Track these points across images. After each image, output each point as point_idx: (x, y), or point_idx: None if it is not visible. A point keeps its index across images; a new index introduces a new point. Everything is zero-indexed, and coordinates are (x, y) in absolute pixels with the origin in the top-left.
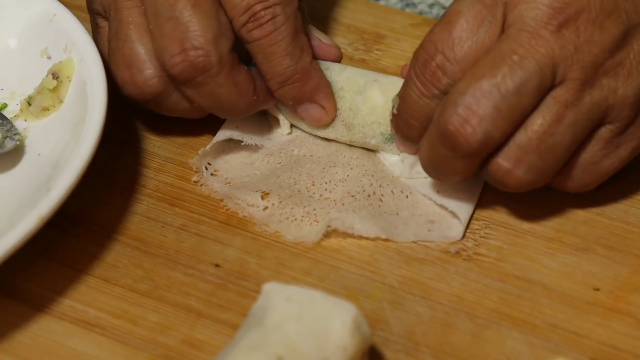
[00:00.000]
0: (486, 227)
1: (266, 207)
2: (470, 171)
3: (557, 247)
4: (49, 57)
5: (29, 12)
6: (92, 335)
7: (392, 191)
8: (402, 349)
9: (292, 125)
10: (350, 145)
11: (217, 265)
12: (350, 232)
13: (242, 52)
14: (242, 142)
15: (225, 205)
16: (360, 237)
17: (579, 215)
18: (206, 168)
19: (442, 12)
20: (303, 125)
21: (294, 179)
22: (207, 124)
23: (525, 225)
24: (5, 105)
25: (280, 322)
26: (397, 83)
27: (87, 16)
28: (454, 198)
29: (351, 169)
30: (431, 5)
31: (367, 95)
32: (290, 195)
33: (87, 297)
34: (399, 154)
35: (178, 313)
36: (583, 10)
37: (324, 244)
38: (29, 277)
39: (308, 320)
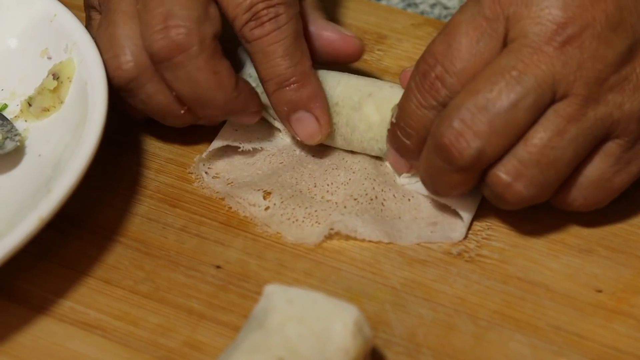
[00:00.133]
0: (488, 229)
1: (267, 207)
2: (467, 185)
3: (560, 249)
4: (49, 58)
5: (29, 12)
6: (92, 337)
7: (394, 195)
8: (404, 351)
9: None
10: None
11: (218, 267)
12: (352, 235)
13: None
14: (240, 148)
15: (227, 205)
16: (363, 239)
17: (581, 217)
18: (206, 173)
19: (443, 12)
20: None
21: (296, 179)
22: (208, 126)
23: (528, 227)
24: (5, 106)
25: (281, 324)
26: (391, 98)
27: None
28: (457, 198)
29: (353, 172)
30: (433, 5)
31: (362, 112)
32: (292, 196)
33: (87, 298)
34: None
35: (179, 315)
36: (588, 26)
37: (325, 246)
38: (30, 278)
39: (309, 322)
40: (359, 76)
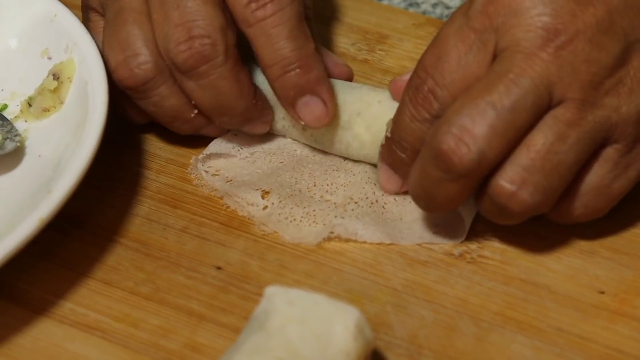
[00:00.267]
0: (490, 230)
1: (266, 207)
2: (462, 196)
3: (562, 250)
4: (49, 58)
5: (29, 12)
6: (92, 338)
7: (394, 198)
8: (406, 353)
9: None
10: None
11: (218, 268)
12: (353, 238)
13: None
14: (237, 157)
15: (225, 204)
16: (363, 241)
17: None
18: (206, 171)
19: (445, 11)
20: (304, 140)
21: (296, 178)
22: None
23: (530, 228)
24: (5, 106)
25: (282, 326)
26: (379, 116)
27: None
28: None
29: (353, 175)
30: (434, 5)
31: (353, 131)
32: (291, 195)
33: (88, 300)
34: None
35: (179, 316)
36: (579, 31)
37: (326, 247)
38: (30, 280)
39: (310, 324)
40: (346, 87)
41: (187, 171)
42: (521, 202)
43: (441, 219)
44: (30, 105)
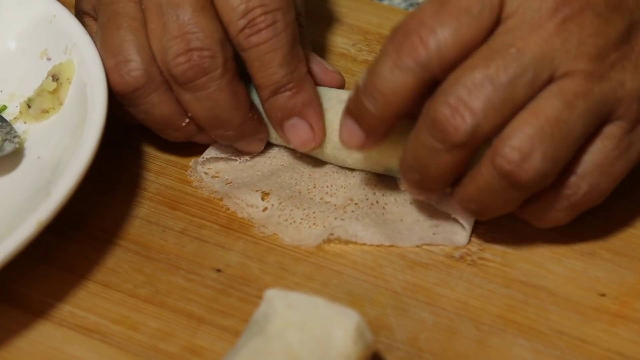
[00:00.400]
0: (491, 232)
1: (265, 208)
2: (455, 170)
3: (563, 252)
4: (48, 59)
5: (28, 13)
6: (91, 341)
7: (395, 199)
8: (406, 356)
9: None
10: None
11: (218, 270)
12: (353, 240)
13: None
14: (237, 160)
15: (225, 206)
16: (363, 243)
17: (584, 220)
18: (206, 173)
19: None
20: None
21: (295, 179)
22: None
23: (530, 230)
24: (4, 108)
25: (282, 329)
26: None
27: None
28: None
29: (353, 176)
30: None
31: (345, 150)
32: (291, 197)
33: (87, 302)
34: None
35: (179, 319)
36: (588, 5)
37: (326, 249)
38: (28, 282)
39: (310, 328)
40: (335, 103)
41: (186, 173)
42: (529, 169)
43: (442, 220)
44: (29, 107)
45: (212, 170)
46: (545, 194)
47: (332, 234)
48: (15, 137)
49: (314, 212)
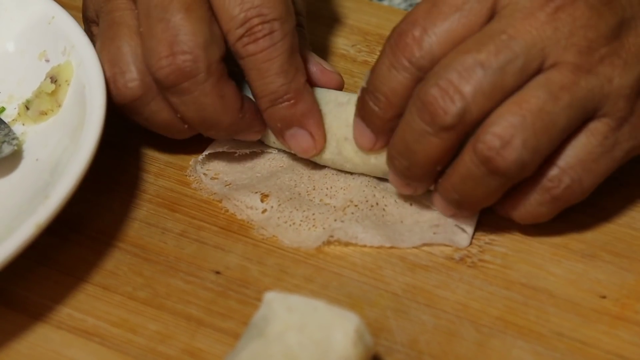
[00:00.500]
0: (491, 234)
1: (265, 210)
2: (442, 156)
3: (563, 254)
4: (47, 60)
5: (27, 14)
6: (90, 344)
7: (395, 201)
8: (406, 358)
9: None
10: None
11: (217, 273)
12: (353, 242)
13: (233, 75)
14: (237, 153)
15: (224, 207)
16: (363, 244)
17: (585, 222)
18: (205, 174)
19: None
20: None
21: (295, 180)
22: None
23: (531, 232)
24: (3, 109)
25: (281, 332)
26: None
27: None
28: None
29: (353, 178)
30: None
31: (343, 156)
32: (290, 198)
33: (86, 305)
34: None
35: (178, 322)
36: None
37: (326, 251)
38: (27, 285)
39: (310, 330)
40: (333, 107)
41: (185, 173)
42: (508, 157)
43: (442, 221)
44: (27, 109)
45: (212, 171)
46: (527, 185)
47: (331, 236)
48: (13, 139)
49: (313, 214)
